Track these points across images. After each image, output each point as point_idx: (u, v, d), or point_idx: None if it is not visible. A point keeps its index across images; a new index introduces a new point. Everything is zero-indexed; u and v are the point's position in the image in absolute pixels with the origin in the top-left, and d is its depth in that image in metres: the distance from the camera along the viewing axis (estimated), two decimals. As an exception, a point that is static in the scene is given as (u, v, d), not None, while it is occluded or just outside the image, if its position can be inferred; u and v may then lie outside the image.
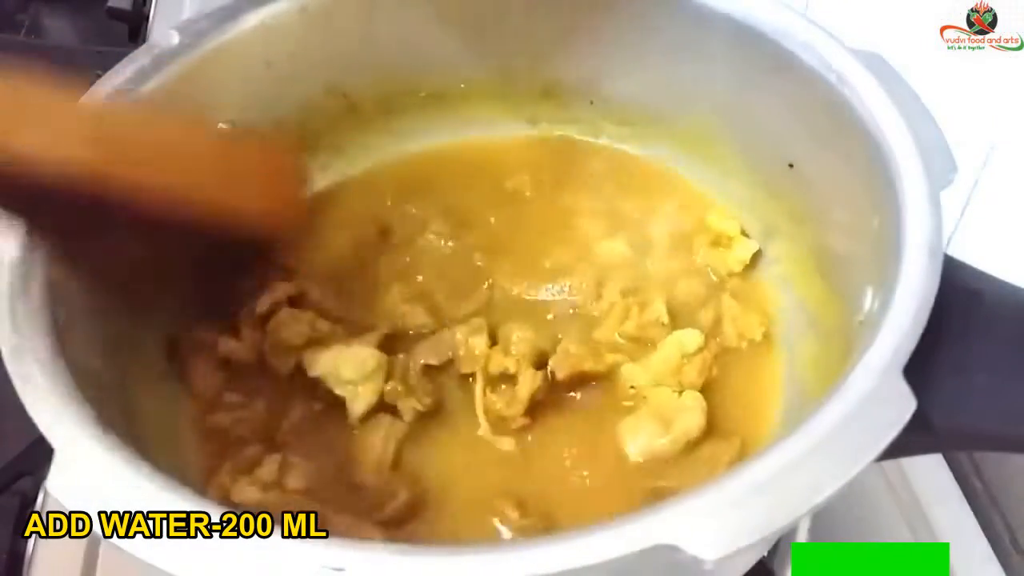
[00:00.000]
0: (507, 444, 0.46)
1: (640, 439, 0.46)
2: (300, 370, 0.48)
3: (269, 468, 0.44)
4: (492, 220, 0.57)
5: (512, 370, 0.47)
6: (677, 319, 0.51)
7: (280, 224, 0.49)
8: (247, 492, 0.43)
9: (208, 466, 0.46)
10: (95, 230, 0.42)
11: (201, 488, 0.42)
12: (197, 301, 0.50)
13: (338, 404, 0.48)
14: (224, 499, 0.43)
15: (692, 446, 0.46)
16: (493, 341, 0.49)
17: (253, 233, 0.47)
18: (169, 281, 0.49)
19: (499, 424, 0.47)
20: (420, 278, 0.54)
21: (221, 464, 0.45)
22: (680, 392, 0.48)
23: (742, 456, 0.45)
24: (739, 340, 0.51)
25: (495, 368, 0.47)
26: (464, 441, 0.47)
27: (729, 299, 0.52)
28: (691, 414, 0.47)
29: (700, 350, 0.49)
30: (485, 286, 0.53)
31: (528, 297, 0.53)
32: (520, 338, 0.48)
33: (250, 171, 0.48)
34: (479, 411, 0.47)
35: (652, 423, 0.46)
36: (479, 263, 0.54)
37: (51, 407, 0.35)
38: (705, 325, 0.51)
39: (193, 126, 0.48)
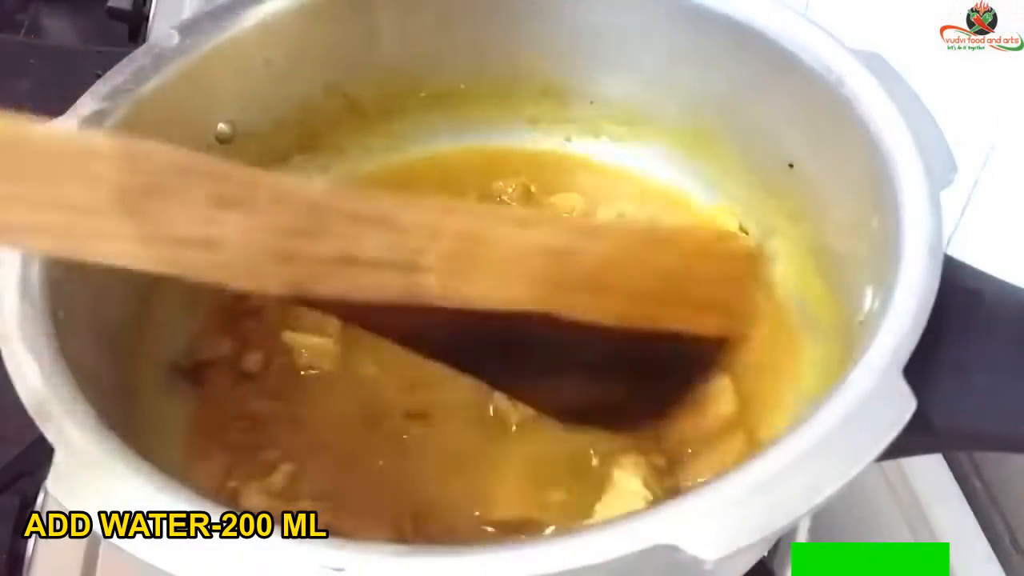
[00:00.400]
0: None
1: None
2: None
3: (281, 475, 0.44)
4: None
5: None
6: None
7: (725, 333, 0.41)
8: (256, 499, 0.43)
9: (218, 472, 0.45)
10: (524, 368, 0.39)
11: (202, 489, 0.42)
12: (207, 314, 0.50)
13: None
14: (232, 504, 0.43)
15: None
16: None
17: (700, 348, 0.41)
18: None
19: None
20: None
21: (231, 470, 0.45)
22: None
23: (743, 455, 0.45)
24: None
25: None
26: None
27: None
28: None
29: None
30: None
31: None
32: None
33: (703, 276, 0.40)
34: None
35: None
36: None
37: (51, 407, 0.35)
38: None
39: (641, 232, 0.42)
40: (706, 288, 0.40)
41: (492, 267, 0.35)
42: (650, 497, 0.41)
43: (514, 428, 0.46)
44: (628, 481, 0.41)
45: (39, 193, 0.29)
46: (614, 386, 0.41)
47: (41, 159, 0.29)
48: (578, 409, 0.43)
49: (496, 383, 0.41)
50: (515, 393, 0.42)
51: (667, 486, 0.43)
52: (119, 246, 0.30)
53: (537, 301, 0.35)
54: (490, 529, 0.43)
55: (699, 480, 0.39)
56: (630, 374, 0.40)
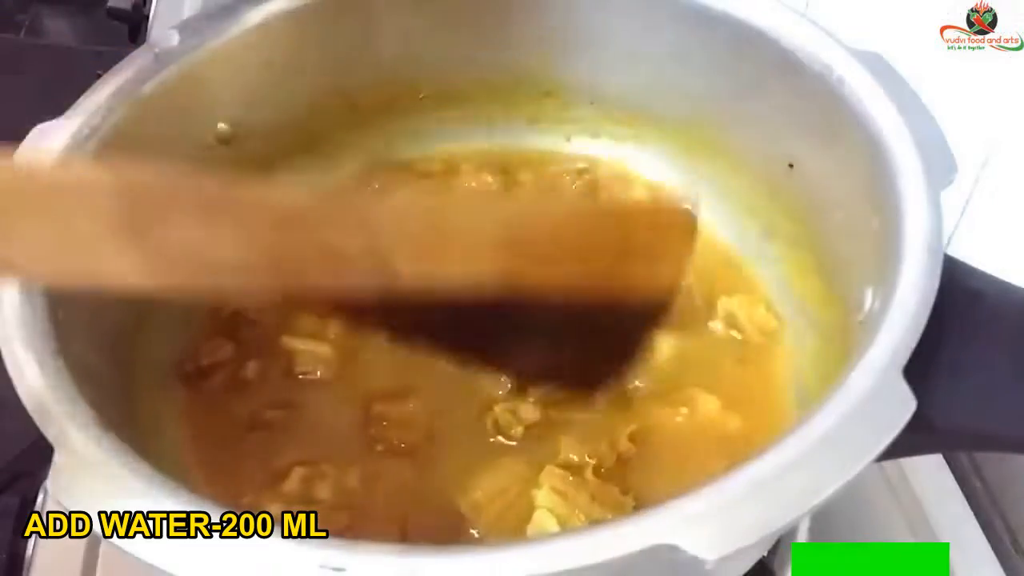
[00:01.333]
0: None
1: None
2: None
3: (295, 480, 0.44)
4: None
5: None
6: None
7: (663, 286, 0.43)
8: (273, 507, 0.43)
9: (229, 486, 0.45)
10: (492, 340, 0.41)
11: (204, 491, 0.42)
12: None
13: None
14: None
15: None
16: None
17: (635, 302, 0.42)
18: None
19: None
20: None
21: (241, 482, 0.45)
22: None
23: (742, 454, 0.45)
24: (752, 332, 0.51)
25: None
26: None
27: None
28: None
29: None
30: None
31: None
32: None
33: (641, 239, 0.43)
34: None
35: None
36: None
37: (51, 407, 0.35)
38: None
39: (584, 206, 0.45)
40: (645, 252, 0.42)
41: (456, 248, 0.37)
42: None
43: (515, 435, 0.47)
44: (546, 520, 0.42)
45: (38, 228, 0.31)
46: (574, 348, 0.43)
47: (35, 196, 0.31)
48: (545, 372, 0.45)
49: (475, 358, 0.43)
50: (492, 364, 0.44)
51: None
52: (122, 271, 0.32)
53: (502, 275, 0.37)
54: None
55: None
56: (585, 335, 0.42)
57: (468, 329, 0.39)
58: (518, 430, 0.47)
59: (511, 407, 0.47)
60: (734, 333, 0.51)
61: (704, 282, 0.53)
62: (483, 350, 0.42)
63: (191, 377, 0.49)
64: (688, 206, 0.44)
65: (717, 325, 0.52)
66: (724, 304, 0.52)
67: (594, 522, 0.42)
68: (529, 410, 0.47)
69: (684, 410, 0.48)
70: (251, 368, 0.49)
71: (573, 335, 0.42)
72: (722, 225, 0.56)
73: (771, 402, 0.49)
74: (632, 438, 0.46)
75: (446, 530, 0.43)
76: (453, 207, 0.39)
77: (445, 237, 0.37)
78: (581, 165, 0.60)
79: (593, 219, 0.42)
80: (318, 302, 0.37)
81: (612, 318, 0.41)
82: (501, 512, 0.43)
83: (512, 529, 0.43)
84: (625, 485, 0.44)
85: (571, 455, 0.45)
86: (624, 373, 0.47)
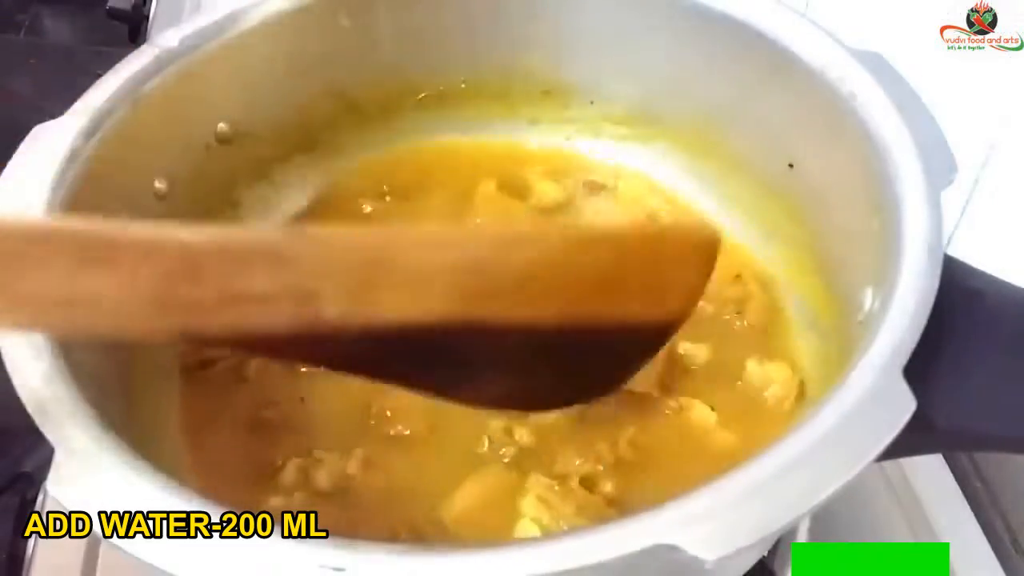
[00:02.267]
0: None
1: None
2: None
3: (292, 469, 0.44)
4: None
5: None
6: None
7: (677, 315, 0.40)
8: (272, 502, 0.43)
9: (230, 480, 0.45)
10: (456, 373, 0.38)
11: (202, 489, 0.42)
12: None
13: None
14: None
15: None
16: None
17: (643, 332, 0.40)
18: None
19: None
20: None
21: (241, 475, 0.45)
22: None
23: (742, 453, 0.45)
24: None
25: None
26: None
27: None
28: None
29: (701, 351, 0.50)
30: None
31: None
32: None
33: (644, 268, 0.39)
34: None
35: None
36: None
37: (51, 407, 0.35)
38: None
39: (570, 235, 0.40)
40: (647, 278, 0.39)
41: (399, 288, 0.34)
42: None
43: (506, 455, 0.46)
44: (530, 530, 0.42)
45: None
46: (553, 373, 0.41)
47: None
48: (516, 398, 0.43)
49: (419, 388, 0.40)
50: (449, 396, 0.41)
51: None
52: None
53: (455, 313, 0.35)
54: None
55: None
56: (572, 361, 0.40)
57: (422, 362, 0.37)
58: (510, 450, 0.46)
59: (506, 427, 0.46)
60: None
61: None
62: (435, 382, 0.39)
63: (192, 371, 0.49)
64: (709, 231, 0.41)
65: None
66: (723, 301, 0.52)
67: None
68: (524, 434, 0.46)
69: (677, 420, 0.47)
70: (252, 365, 0.49)
71: (548, 363, 0.39)
72: (722, 225, 0.56)
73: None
74: (626, 446, 0.46)
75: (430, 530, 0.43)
76: (401, 243, 0.35)
77: (390, 277, 0.34)
78: (581, 165, 0.60)
79: (579, 248, 0.38)
80: (226, 342, 0.35)
81: (606, 339, 0.39)
82: (483, 519, 0.43)
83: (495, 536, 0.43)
84: (611, 496, 0.44)
85: (559, 466, 0.45)
86: (606, 395, 0.45)
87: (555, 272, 0.37)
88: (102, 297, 0.31)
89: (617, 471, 0.45)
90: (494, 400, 0.42)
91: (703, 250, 0.40)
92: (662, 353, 0.47)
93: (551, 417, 0.46)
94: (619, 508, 0.44)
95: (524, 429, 0.46)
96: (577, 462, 0.45)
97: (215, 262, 0.33)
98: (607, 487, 0.44)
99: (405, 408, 0.47)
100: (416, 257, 0.35)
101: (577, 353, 0.39)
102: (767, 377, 0.48)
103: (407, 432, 0.47)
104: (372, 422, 0.47)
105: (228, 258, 0.33)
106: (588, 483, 0.44)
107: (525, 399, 0.43)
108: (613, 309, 0.38)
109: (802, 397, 0.47)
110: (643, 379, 0.47)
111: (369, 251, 0.35)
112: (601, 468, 0.45)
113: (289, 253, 0.34)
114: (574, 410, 0.46)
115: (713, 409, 0.47)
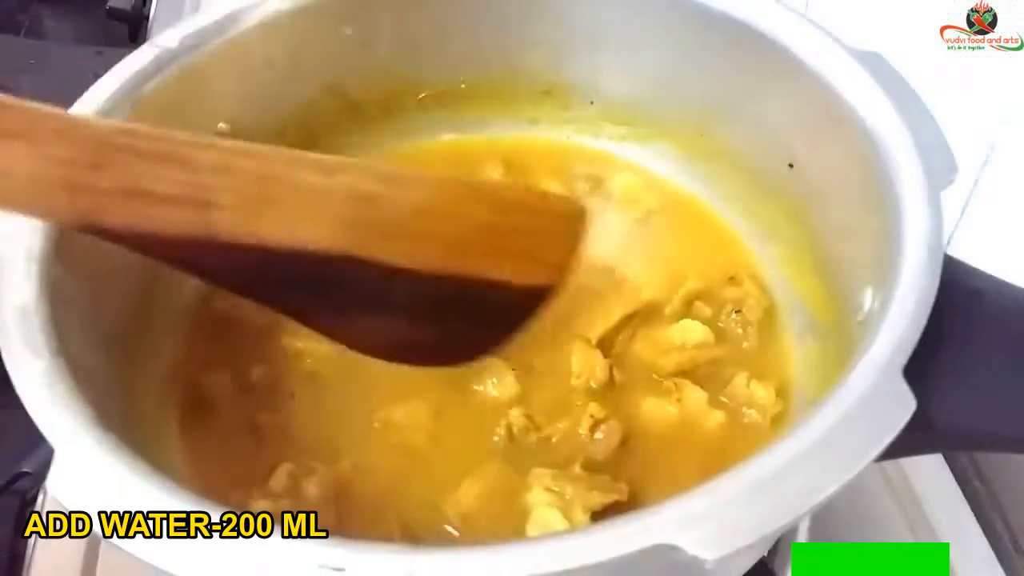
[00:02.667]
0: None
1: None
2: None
3: (284, 474, 0.44)
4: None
5: None
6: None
7: (550, 284, 0.43)
8: (260, 504, 0.43)
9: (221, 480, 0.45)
10: (343, 310, 0.39)
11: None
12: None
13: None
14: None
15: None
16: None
17: (521, 296, 0.42)
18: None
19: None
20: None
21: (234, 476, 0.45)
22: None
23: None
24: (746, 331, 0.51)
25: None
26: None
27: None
28: None
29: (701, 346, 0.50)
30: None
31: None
32: None
33: (523, 230, 0.42)
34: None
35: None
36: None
37: (51, 407, 0.35)
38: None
39: (459, 185, 0.42)
40: (526, 241, 0.41)
41: (291, 209, 0.35)
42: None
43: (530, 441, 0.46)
44: (548, 515, 0.42)
45: None
46: (433, 327, 0.42)
47: None
48: (395, 348, 0.44)
49: (307, 321, 0.41)
50: (327, 332, 0.42)
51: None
52: None
53: (341, 243, 0.36)
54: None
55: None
56: (450, 316, 0.41)
57: (307, 292, 0.38)
58: (533, 436, 0.46)
59: (526, 412, 0.46)
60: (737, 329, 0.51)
61: (703, 280, 0.53)
62: (322, 316, 0.40)
63: (192, 393, 0.49)
64: (579, 207, 0.44)
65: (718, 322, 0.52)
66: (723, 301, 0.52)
67: (594, 511, 0.42)
68: (523, 433, 0.46)
69: (674, 402, 0.48)
70: (254, 372, 0.49)
71: (435, 310, 0.40)
72: (722, 225, 0.56)
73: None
74: (620, 425, 0.46)
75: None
76: (297, 165, 0.36)
77: (283, 196, 0.35)
78: (581, 165, 0.60)
79: (467, 198, 0.40)
80: (125, 237, 0.35)
81: (485, 297, 0.40)
82: (491, 524, 0.43)
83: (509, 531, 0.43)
84: (616, 474, 0.44)
85: (558, 456, 0.45)
86: (493, 350, 0.46)
87: (441, 217, 0.39)
88: (14, 170, 0.32)
89: (618, 452, 0.46)
90: (381, 348, 0.43)
91: (575, 222, 0.42)
92: (661, 350, 0.48)
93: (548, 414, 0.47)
94: (629, 481, 0.44)
95: (523, 427, 0.46)
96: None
97: (123, 155, 0.34)
98: (612, 467, 0.45)
99: (406, 413, 0.47)
100: (312, 180, 0.36)
101: (457, 308, 0.40)
102: (750, 396, 0.48)
103: (410, 438, 0.47)
104: (373, 428, 0.47)
105: (135, 153, 0.34)
106: (590, 466, 0.44)
107: (411, 351, 0.44)
108: (492, 265, 0.40)
109: (781, 420, 0.47)
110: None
111: (268, 165, 0.36)
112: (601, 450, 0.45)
113: (193, 158, 0.35)
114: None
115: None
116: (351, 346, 0.43)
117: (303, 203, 0.36)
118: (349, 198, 0.37)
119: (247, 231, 0.35)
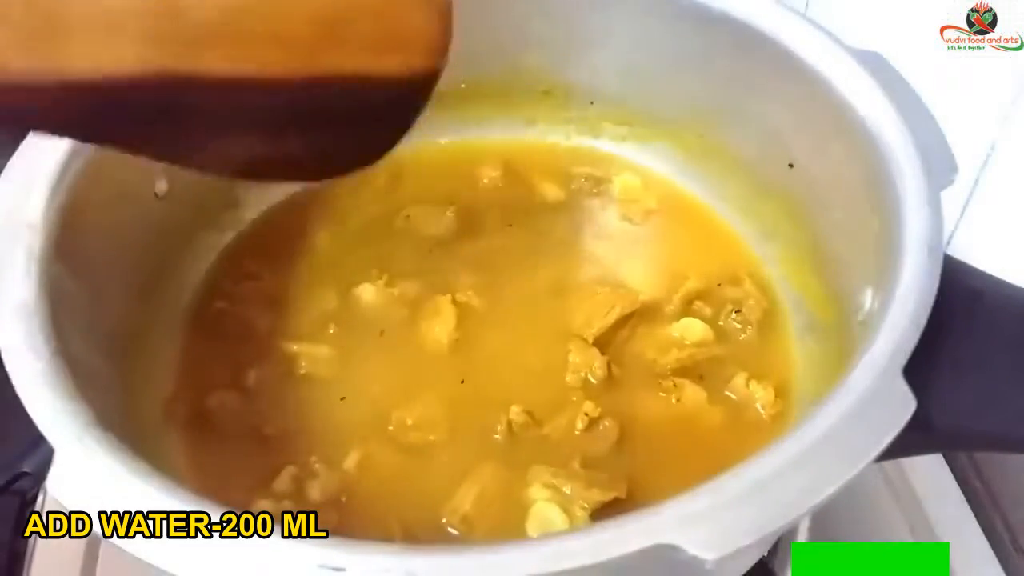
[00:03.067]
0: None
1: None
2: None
3: (285, 479, 0.44)
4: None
5: None
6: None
7: (423, 69, 0.38)
8: (262, 505, 0.43)
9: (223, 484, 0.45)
10: (194, 136, 0.35)
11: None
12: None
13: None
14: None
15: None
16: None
17: (392, 91, 0.38)
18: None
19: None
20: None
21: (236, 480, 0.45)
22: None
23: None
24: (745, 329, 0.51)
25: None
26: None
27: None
28: None
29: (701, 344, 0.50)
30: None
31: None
32: None
33: (364, 8, 0.36)
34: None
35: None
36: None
37: (51, 407, 0.35)
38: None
39: None
40: (372, 22, 0.36)
41: (85, 35, 0.31)
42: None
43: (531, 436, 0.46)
44: (548, 509, 0.42)
45: None
46: (300, 138, 0.38)
47: None
48: (268, 165, 0.40)
49: (157, 154, 0.38)
50: (185, 162, 0.38)
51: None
52: None
53: (154, 62, 0.32)
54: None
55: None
56: (314, 125, 0.38)
57: (134, 121, 0.34)
58: (533, 433, 0.46)
59: (528, 409, 0.46)
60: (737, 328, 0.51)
61: (703, 280, 0.53)
62: (168, 145, 0.36)
63: (192, 393, 0.49)
64: None
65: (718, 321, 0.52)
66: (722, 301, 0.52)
67: (594, 508, 0.42)
68: (522, 432, 0.46)
69: (673, 400, 0.48)
70: (254, 373, 0.49)
71: (295, 120, 0.37)
72: (722, 225, 0.56)
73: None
74: (617, 422, 0.46)
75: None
76: None
77: (65, 23, 0.31)
78: (581, 165, 0.60)
79: None
80: None
81: (346, 97, 0.36)
82: (491, 521, 0.43)
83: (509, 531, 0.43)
84: (615, 472, 0.44)
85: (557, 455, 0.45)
86: (368, 163, 0.42)
87: (260, 15, 0.34)
88: None
89: (616, 449, 0.46)
90: (255, 168, 0.40)
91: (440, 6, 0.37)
92: (661, 347, 0.48)
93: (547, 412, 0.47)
94: (628, 478, 0.44)
95: (522, 425, 0.46)
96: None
97: None
98: (610, 464, 0.45)
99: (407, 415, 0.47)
100: (97, 3, 0.32)
101: (318, 115, 0.37)
102: (750, 395, 0.48)
103: (426, 438, 0.47)
104: (390, 427, 0.47)
105: None
106: (589, 464, 0.45)
107: (286, 167, 0.41)
108: (339, 58, 0.36)
109: (781, 420, 0.47)
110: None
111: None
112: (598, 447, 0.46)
113: None
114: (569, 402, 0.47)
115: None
116: (220, 172, 0.40)
117: (94, 28, 0.32)
118: (148, 15, 0.32)
119: (41, 70, 0.31)
